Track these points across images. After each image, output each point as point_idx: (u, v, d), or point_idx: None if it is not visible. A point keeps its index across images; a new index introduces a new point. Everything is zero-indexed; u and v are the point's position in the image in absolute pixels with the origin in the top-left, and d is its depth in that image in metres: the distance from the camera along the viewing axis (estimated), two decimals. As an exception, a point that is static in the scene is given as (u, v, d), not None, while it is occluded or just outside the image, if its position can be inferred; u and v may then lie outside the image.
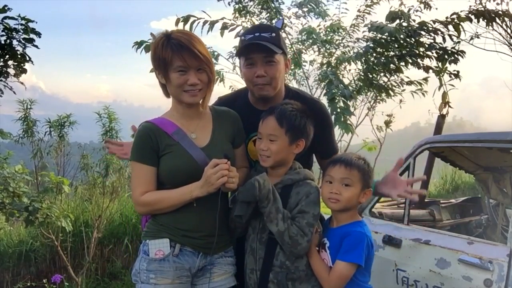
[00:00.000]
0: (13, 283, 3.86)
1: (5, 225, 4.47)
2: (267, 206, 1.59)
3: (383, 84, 4.25)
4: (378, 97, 4.54)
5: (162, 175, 1.63)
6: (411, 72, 4.16)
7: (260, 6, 4.34)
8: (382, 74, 4.16)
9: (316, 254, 1.67)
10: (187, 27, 3.65)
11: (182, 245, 1.63)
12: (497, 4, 4.21)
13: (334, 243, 1.64)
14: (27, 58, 3.07)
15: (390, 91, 4.31)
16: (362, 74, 4.18)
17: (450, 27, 3.65)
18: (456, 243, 2.25)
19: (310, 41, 4.63)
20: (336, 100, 3.39)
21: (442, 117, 4.19)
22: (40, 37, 3.02)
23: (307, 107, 1.76)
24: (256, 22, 4.37)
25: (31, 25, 2.97)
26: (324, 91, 3.82)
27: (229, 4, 4.34)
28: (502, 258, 2.01)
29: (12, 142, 3.84)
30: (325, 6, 4.76)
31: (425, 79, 4.34)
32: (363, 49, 3.99)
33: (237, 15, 4.35)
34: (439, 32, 3.67)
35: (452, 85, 4.07)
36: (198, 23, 3.71)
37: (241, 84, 1.79)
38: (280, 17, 4.24)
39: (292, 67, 4.59)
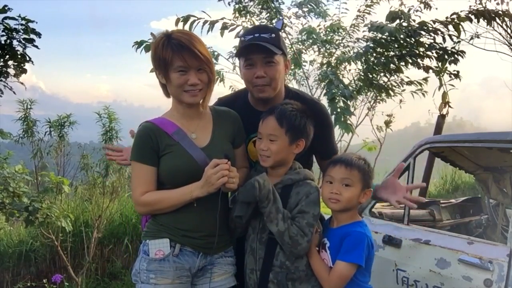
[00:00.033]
0: (13, 283, 3.86)
1: (5, 225, 4.47)
2: (267, 206, 1.59)
3: (383, 84, 4.25)
4: (378, 97, 4.54)
5: (162, 175, 1.63)
6: (411, 72, 4.16)
7: (260, 6, 4.34)
8: (382, 74, 4.16)
9: (316, 254, 1.67)
10: (187, 27, 3.65)
11: (182, 245, 1.63)
12: (497, 4, 4.21)
13: (334, 243, 1.64)
14: (27, 58, 3.07)
15: (390, 91, 4.31)
16: (362, 74, 4.18)
17: (450, 27, 3.65)
18: (456, 243, 2.24)
19: (310, 41, 4.62)
20: (336, 100, 3.39)
21: (442, 117, 4.20)
22: (40, 37, 3.02)
23: (307, 108, 1.76)
24: (256, 22, 4.37)
25: (31, 25, 2.97)
26: (324, 91, 3.82)
27: (229, 4, 4.34)
28: (502, 258, 2.01)
29: (12, 142, 3.84)
30: (325, 6, 4.76)
31: (425, 79, 4.34)
32: (363, 49, 3.99)
33: (237, 15, 4.35)
34: (439, 32, 3.66)
35: (452, 85, 4.08)
36: (198, 23, 3.71)
37: (241, 84, 1.81)
38: (280, 17, 4.24)
39: (292, 67, 4.58)
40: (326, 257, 1.66)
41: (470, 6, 3.89)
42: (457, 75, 3.98)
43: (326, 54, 4.62)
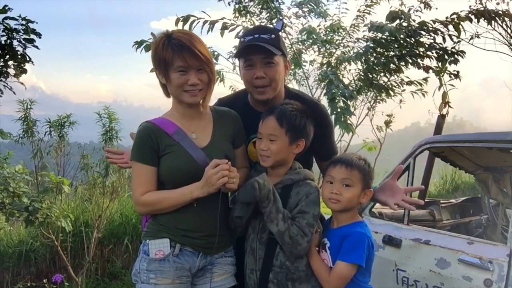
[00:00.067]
0: (13, 283, 3.86)
1: (5, 225, 4.47)
2: (268, 206, 1.59)
3: (383, 84, 4.24)
4: (378, 97, 4.54)
5: (162, 175, 1.63)
6: (411, 72, 4.16)
7: (260, 6, 4.34)
8: (382, 74, 4.15)
9: (316, 254, 1.67)
10: (186, 27, 3.65)
11: (182, 245, 1.63)
12: (497, 4, 4.21)
13: (335, 243, 1.64)
14: (27, 59, 3.07)
15: (390, 91, 4.31)
16: (362, 74, 4.17)
17: (450, 27, 3.65)
18: (456, 243, 2.25)
19: (310, 41, 4.62)
20: (336, 100, 3.38)
21: (442, 117, 4.20)
22: (40, 37, 3.02)
23: (307, 108, 1.76)
24: (256, 22, 4.37)
25: (31, 25, 2.97)
26: (324, 91, 3.81)
27: (229, 4, 4.34)
28: (502, 258, 2.01)
29: (12, 142, 3.84)
30: (325, 6, 4.76)
31: (425, 79, 4.33)
32: (363, 49, 3.98)
33: (237, 15, 4.35)
34: (439, 32, 3.66)
35: (452, 85, 4.07)
36: (198, 22, 3.71)
37: (241, 84, 1.80)
38: (280, 17, 4.24)
39: (292, 67, 4.58)
40: (326, 257, 1.66)
41: (470, 6, 3.89)
42: (457, 75, 3.98)
43: (326, 54, 4.62)
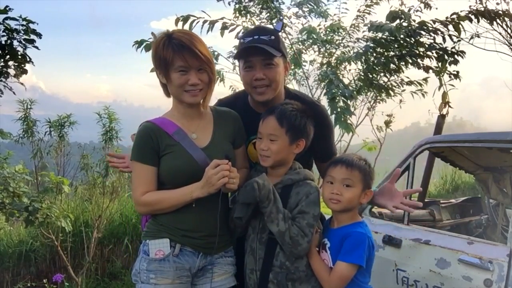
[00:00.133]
0: (13, 283, 3.86)
1: (5, 225, 4.47)
2: (268, 206, 1.59)
3: (383, 84, 4.24)
4: (378, 97, 4.54)
5: (162, 175, 1.63)
6: (411, 72, 4.16)
7: (260, 6, 4.34)
8: (382, 74, 4.15)
9: (316, 254, 1.67)
10: (186, 27, 3.65)
11: (182, 245, 1.63)
12: (497, 4, 4.20)
13: (335, 243, 1.64)
14: (28, 59, 3.07)
15: (390, 91, 4.31)
16: (362, 74, 4.17)
17: (450, 27, 3.65)
18: (456, 243, 2.25)
19: (310, 41, 4.62)
20: (337, 100, 3.38)
21: (442, 117, 4.20)
22: (40, 38, 3.02)
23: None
24: (256, 22, 4.37)
25: (31, 26, 2.96)
26: (324, 91, 3.81)
27: (229, 4, 4.34)
28: (502, 258, 2.01)
29: (12, 142, 3.84)
30: (325, 6, 4.76)
31: (425, 79, 4.33)
32: (363, 49, 3.98)
33: (237, 15, 4.35)
34: (439, 32, 3.66)
35: (452, 85, 4.07)
36: (197, 22, 3.71)
37: (241, 84, 1.79)
38: (281, 18, 4.24)
39: (292, 67, 4.58)
40: (327, 258, 1.66)
41: (470, 6, 3.89)
42: (457, 75, 3.98)
43: (326, 54, 4.62)
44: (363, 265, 1.58)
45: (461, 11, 3.70)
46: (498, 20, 4.06)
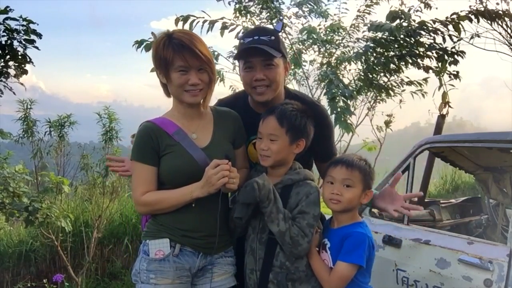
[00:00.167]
0: (13, 283, 3.86)
1: (5, 225, 4.47)
2: (268, 206, 1.59)
3: (383, 84, 4.25)
4: (378, 97, 4.54)
5: (162, 175, 1.63)
6: (411, 72, 4.16)
7: (260, 6, 4.34)
8: (382, 74, 4.16)
9: (316, 254, 1.67)
10: (186, 27, 3.65)
11: (182, 245, 1.63)
12: (497, 4, 4.20)
13: (335, 243, 1.64)
14: (28, 59, 3.07)
15: (390, 91, 4.31)
16: (362, 74, 4.17)
17: (450, 27, 3.65)
18: (456, 243, 2.25)
19: (310, 41, 4.62)
20: (337, 100, 3.38)
21: (442, 117, 4.19)
22: (41, 38, 3.02)
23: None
24: (256, 22, 4.37)
25: (32, 26, 2.97)
26: (324, 91, 3.82)
27: (229, 4, 4.34)
28: (502, 258, 2.01)
29: (12, 142, 3.84)
30: (325, 6, 4.76)
31: (425, 79, 4.33)
32: (363, 49, 3.98)
33: (237, 15, 4.35)
34: (439, 32, 3.66)
35: (452, 85, 4.07)
36: (197, 22, 3.71)
37: (241, 84, 1.79)
38: (281, 18, 4.24)
39: (292, 67, 4.58)
40: (327, 258, 1.66)
41: (470, 6, 3.89)
42: (457, 75, 3.98)
43: (326, 54, 4.62)
44: (363, 265, 1.58)
45: (461, 11, 3.70)
46: (498, 20, 4.06)
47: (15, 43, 2.98)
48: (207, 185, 1.55)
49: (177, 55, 1.55)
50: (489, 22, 4.02)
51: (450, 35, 3.68)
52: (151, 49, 1.67)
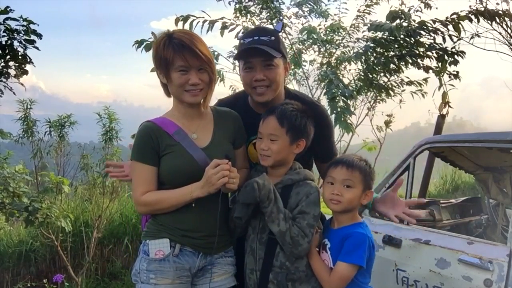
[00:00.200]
0: (13, 283, 3.86)
1: (5, 225, 4.47)
2: (269, 206, 1.59)
3: (383, 84, 4.25)
4: (378, 97, 4.54)
5: (162, 175, 1.63)
6: (411, 72, 4.16)
7: (260, 6, 4.34)
8: (382, 74, 4.16)
9: (316, 255, 1.67)
10: (186, 26, 3.65)
11: (182, 245, 1.63)
12: (497, 4, 4.20)
13: (335, 244, 1.64)
14: (28, 60, 3.07)
15: (390, 91, 4.31)
16: (362, 74, 4.18)
17: (450, 27, 3.65)
18: (456, 243, 2.25)
19: (310, 41, 4.62)
20: (337, 100, 3.38)
21: (442, 117, 4.20)
22: (41, 38, 3.02)
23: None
24: (257, 22, 4.38)
25: (32, 26, 2.97)
26: (324, 90, 3.82)
27: (229, 4, 4.34)
28: (502, 258, 2.01)
29: (12, 142, 3.84)
30: (325, 6, 4.76)
31: (425, 79, 4.34)
32: (363, 49, 3.99)
33: (237, 14, 4.35)
34: (439, 32, 3.66)
35: (452, 85, 4.07)
36: (198, 22, 3.71)
37: (241, 84, 1.79)
38: (281, 18, 4.24)
39: (292, 67, 4.58)
40: (327, 258, 1.66)
41: (470, 6, 3.89)
42: (457, 75, 3.98)
43: (326, 54, 4.62)
44: (363, 266, 1.58)
45: (461, 11, 3.70)
46: (498, 20, 4.06)
47: (15, 43, 2.99)
48: (207, 185, 1.55)
49: (177, 55, 1.55)
50: (489, 22, 4.02)
51: (450, 35, 3.68)
52: (151, 49, 1.67)
